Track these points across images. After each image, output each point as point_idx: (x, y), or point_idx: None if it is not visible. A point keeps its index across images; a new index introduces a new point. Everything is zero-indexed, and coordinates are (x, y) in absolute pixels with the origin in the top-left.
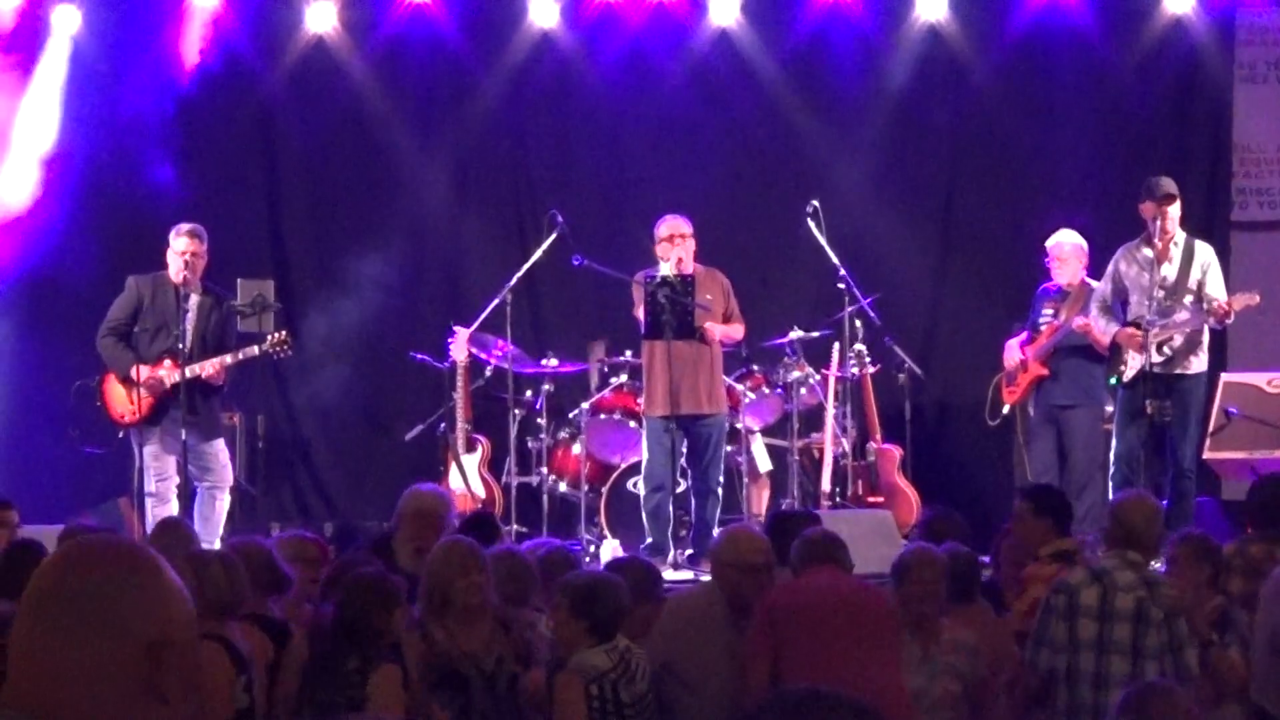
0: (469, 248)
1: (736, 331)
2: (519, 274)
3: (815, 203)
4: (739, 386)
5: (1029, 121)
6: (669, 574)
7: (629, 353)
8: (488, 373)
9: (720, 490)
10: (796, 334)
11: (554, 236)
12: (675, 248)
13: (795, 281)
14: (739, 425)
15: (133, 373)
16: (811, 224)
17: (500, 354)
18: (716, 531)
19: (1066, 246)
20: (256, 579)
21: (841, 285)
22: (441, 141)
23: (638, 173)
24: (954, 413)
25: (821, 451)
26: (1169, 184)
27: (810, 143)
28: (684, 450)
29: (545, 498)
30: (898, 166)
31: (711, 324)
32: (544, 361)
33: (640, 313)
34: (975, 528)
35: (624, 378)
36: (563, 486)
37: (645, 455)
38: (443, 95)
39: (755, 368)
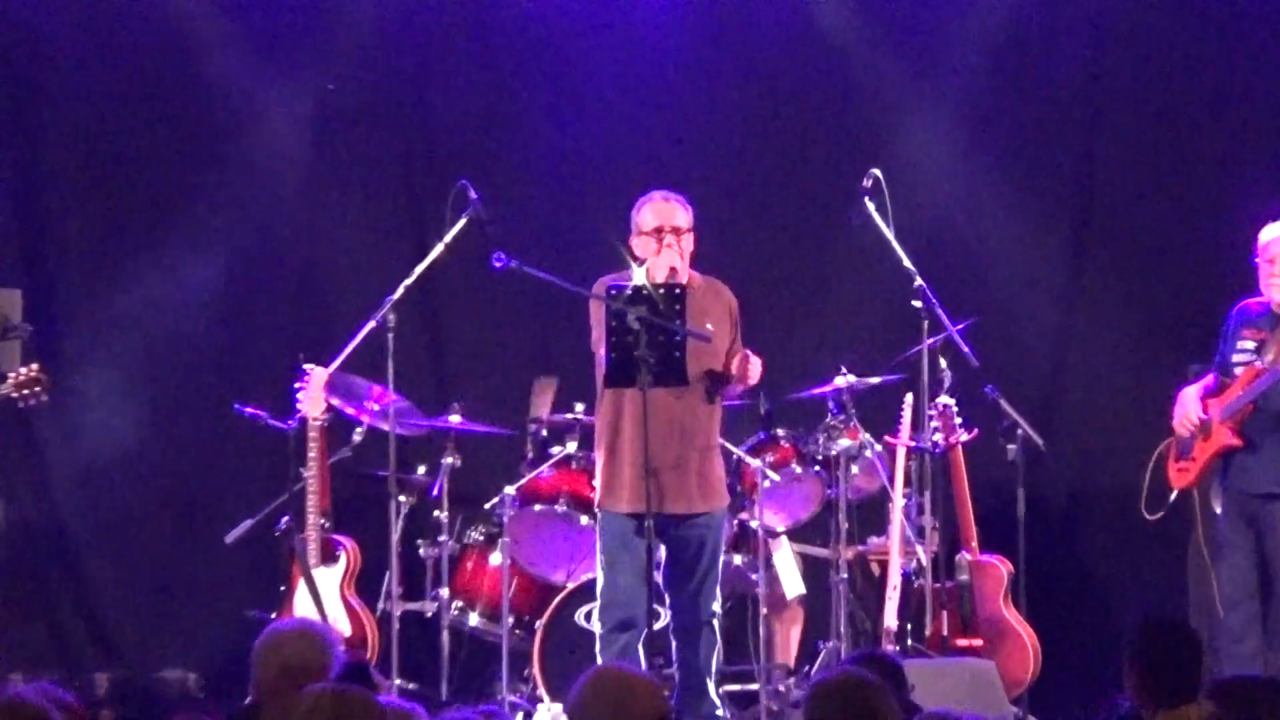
0: (331, 243)
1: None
2: (408, 282)
3: (876, 173)
4: (754, 463)
5: (1207, 58)
6: None
7: (580, 407)
8: (357, 438)
9: (718, 625)
10: (846, 380)
11: (463, 223)
12: (666, 246)
13: (845, 298)
14: (753, 524)
15: None
16: (871, 208)
17: (378, 408)
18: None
19: None
20: None
21: (917, 304)
22: (293, 85)
23: (603, 132)
24: (1092, 503)
25: (885, 566)
26: None
27: (872, 88)
28: (663, 563)
29: (446, 635)
30: (1006, 124)
31: (709, 367)
32: (449, 419)
33: (601, 346)
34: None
35: (571, 447)
36: (474, 618)
37: (603, 572)
38: (298, 15)
39: (780, 433)
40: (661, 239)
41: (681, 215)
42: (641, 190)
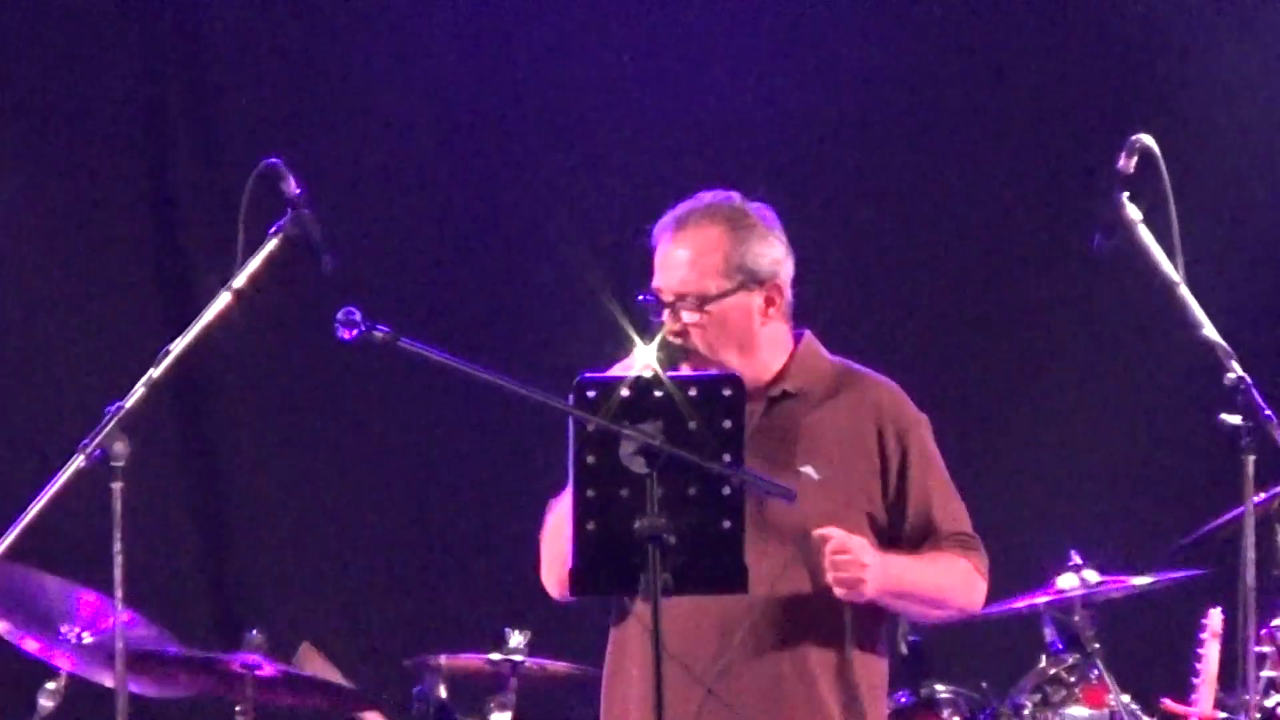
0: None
1: (953, 584)
2: (155, 373)
3: (1144, 142)
4: None
5: None
6: None
7: (517, 639)
8: (47, 702)
9: None
10: (1080, 581)
11: (272, 247)
12: (665, 325)
13: (1075, 406)
14: None
15: None
16: (1133, 215)
17: (91, 640)
18: None
19: None
20: None
21: (1233, 420)
22: None
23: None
24: None
25: None
26: None
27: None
28: None
29: None
30: None
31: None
32: (236, 665)
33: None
34: None
35: None
36: None
37: None
38: None
39: (940, 691)
40: (660, 311)
41: (688, 264)
42: (646, 197)
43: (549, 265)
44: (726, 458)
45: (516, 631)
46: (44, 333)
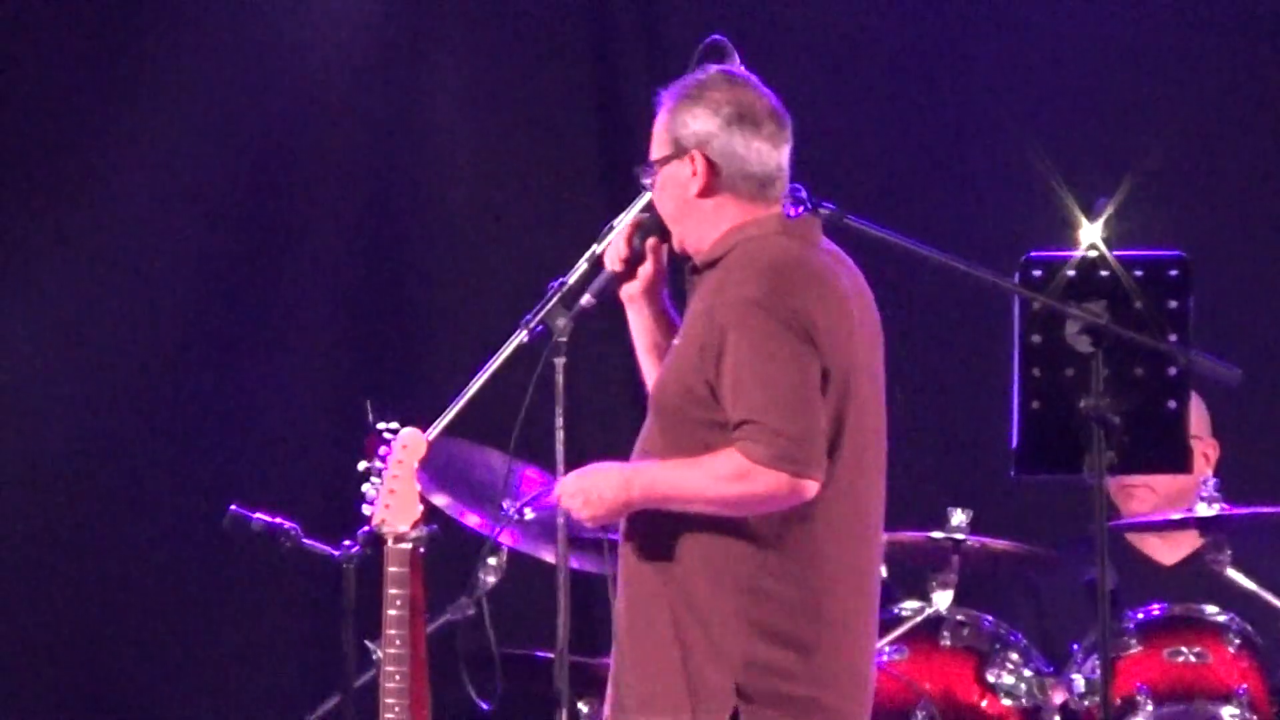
0: (432, 165)
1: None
2: (598, 248)
3: None
4: None
5: None
6: None
7: (959, 515)
8: (489, 578)
9: None
10: None
11: None
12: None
13: None
14: None
15: None
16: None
17: (532, 516)
18: None
19: None
20: None
21: None
22: None
23: None
24: None
25: None
26: None
27: None
28: None
29: None
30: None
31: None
32: None
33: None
34: None
35: None
36: None
37: None
38: None
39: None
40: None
41: (653, 135)
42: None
43: (987, 148)
44: (1173, 338)
45: (959, 510)
46: (491, 211)
